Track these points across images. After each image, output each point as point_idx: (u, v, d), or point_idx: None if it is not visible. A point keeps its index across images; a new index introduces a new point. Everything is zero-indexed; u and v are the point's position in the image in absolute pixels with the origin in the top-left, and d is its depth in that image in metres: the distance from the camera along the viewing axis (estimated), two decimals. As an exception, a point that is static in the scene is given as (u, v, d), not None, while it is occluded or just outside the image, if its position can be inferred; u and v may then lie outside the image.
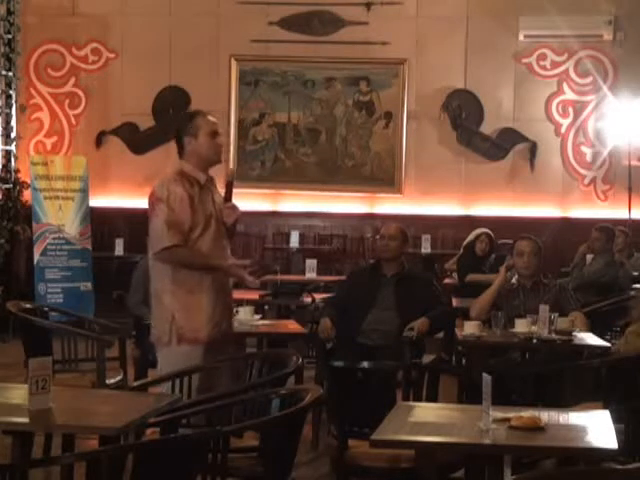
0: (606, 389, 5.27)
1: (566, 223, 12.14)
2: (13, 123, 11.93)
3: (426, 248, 12.04)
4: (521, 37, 12.38)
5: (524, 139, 12.50)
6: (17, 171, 12.01)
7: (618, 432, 3.90)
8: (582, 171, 12.47)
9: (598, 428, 3.93)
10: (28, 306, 7.07)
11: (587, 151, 12.49)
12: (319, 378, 6.73)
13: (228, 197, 5.31)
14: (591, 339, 6.32)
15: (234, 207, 5.32)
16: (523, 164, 12.54)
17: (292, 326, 7.01)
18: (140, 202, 12.33)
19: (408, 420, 4.05)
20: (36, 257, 11.27)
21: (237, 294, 8.80)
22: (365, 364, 5.09)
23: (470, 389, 4.95)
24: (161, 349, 5.27)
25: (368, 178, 12.74)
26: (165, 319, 5.20)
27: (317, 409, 6.29)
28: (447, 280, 10.36)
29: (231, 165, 12.69)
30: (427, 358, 6.66)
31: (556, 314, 6.28)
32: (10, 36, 11.73)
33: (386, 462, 4.59)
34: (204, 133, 5.26)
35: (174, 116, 12.54)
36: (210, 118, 5.33)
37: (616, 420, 4.10)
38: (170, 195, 5.13)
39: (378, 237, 7.16)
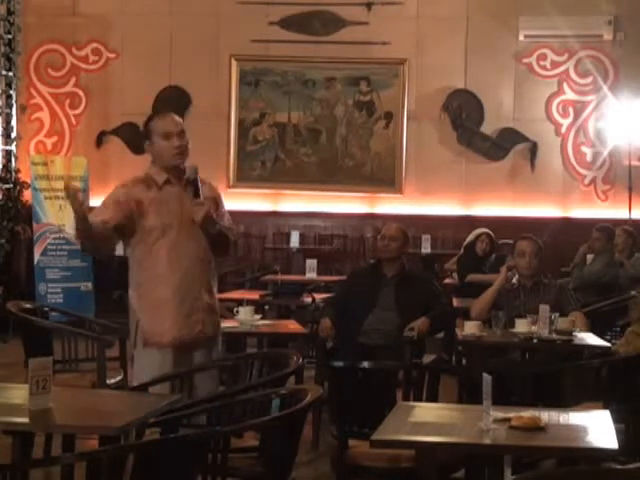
0: (606, 389, 5.27)
1: (566, 223, 12.14)
2: (13, 123, 11.93)
3: (426, 248, 12.04)
4: (521, 37, 12.39)
5: (524, 139, 12.50)
6: (17, 171, 12.01)
7: (618, 432, 3.90)
8: (582, 171, 12.47)
9: (598, 428, 3.93)
10: (28, 306, 7.07)
11: (587, 151, 12.49)
12: (319, 378, 6.73)
13: (195, 194, 5.15)
14: (591, 339, 6.32)
15: (201, 203, 5.14)
16: (523, 164, 12.54)
17: (292, 326, 7.01)
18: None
19: (408, 420, 4.05)
20: (36, 257, 11.28)
21: (238, 294, 8.86)
22: (365, 364, 5.08)
23: (470, 389, 4.95)
24: (131, 352, 5.31)
25: (368, 178, 12.74)
26: (132, 323, 5.20)
27: (317, 409, 6.29)
28: (447, 280, 10.36)
29: (230, 165, 12.71)
30: (427, 358, 6.66)
31: (556, 314, 6.28)
32: (10, 36, 11.74)
33: (386, 462, 4.59)
34: (157, 135, 5.19)
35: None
36: (167, 118, 5.23)
37: (616, 420, 4.10)
38: (112, 192, 5.29)
39: (379, 237, 7.15)
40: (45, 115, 12.97)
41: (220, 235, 5.27)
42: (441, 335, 7.49)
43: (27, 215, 11.69)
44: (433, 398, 4.99)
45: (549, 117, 12.49)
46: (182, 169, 5.23)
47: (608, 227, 9.55)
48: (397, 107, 12.65)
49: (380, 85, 12.69)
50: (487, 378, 3.91)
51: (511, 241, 8.19)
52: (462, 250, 10.25)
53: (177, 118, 5.29)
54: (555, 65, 12.46)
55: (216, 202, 5.34)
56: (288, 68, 12.74)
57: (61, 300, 11.12)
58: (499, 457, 3.90)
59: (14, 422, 3.97)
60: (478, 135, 12.59)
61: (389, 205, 12.58)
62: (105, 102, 12.91)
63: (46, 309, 7.48)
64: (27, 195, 11.92)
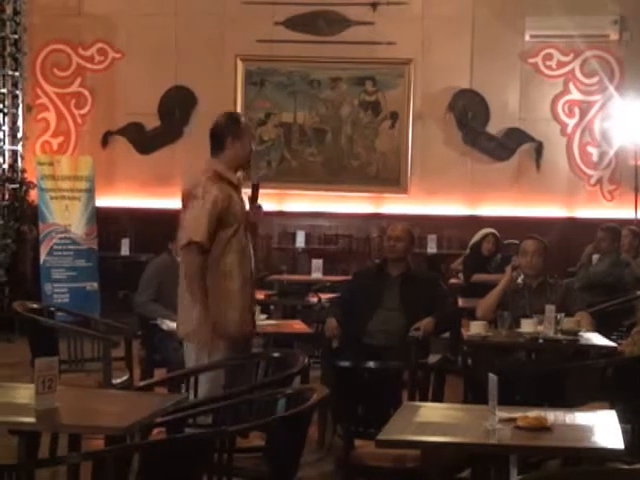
0: (612, 389, 5.27)
1: (572, 223, 12.12)
2: (20, 123, 11.94)
3: (432, 248, 12.04)
4: (527, 37, 12.37)
5: (530, 139, 12.49)
6: (24, 171, 12.02)
7: (624, 432, 3.90)
8: (588, 171, 12.45)
9: (604, 428, 3.93)
10: (35, 306, 7.09)
11: (593, 151, 12.47)
12: (325, 378, 6.73)
13: (254, 198, 5.43)
14: (597, 339, 6.32)
15: (260, 207, 5.45)
16: (529, 164, 12.52)
17: (298, 326, 7.01)
18: (146, 202, 12.46)
19: (414, 420, 4.05)
20: (42, 257, 11.30)
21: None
22: (371, 364, 5.09)
23: (476, 389, 4.95)
24: (188, 345, 5.36)
25: (374, 178, 12.74)
26: (194, 316, 5.27)
27: (323, 409, 6.29)
28: (453, 280, 10.36)
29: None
30: (433, 358, 6.65)
31: (562, 314, 6.27)
32: (17, 36, 11.74)
33: (392, 462, 4.59)
34: (248, 137, 5.41)
35: (179, 115, 12.61)
36: (249, 123, 5.57)
37: (622, 420, 4.09)
38: (206, 194, 5.22)
39: (385, 238, 7.15)
40: (51, 115, 12.99)
41: (255, 236, 5.55)
42: (446, 335, 7.49)
43: (33, 215, 11.70)
44: (438, 398, 5.00)
45: (555, 117, 12.48)
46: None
47: (614, 227, 9.54)
48: (402, 107, 12.64)
49: (385, 85, 12.68)
50: (493, 378, 3.91)
51: (517, 241, 8.18)
52: (468, 250, 10.25)
53: None
54: (561, 65, 12.45)
55: None
56: (293, 68, 12.74)
57: (67, 300, 11.13)
58: (505, 457, 3.90)
59: (20, 422, 3.98)
60: (484, 135, 12.58)
61: (394, 205, 12.57)
62: (111, 102, 12.92)
63: (52, 309, 7.50)
64: (33, 195, 11.93)
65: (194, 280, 5.23)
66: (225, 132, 5.35)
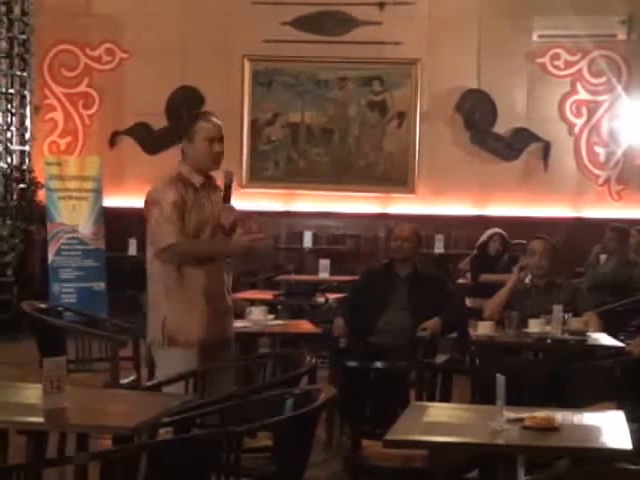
0: (620, 389, 5.26)
1: (580, 223, 12.11)
2: (28, 123, 11.96)
3: (439, 248, 12.04)
4: (534, 37, 12.36)
5: (537, 139, 12.48)
6: (31, 171, 12.04)
7: (632, 432, 3.89)
8: (596, 171, 12.44)
9: (612, 428, 3.92)
10: (42, 306, 7.11)
11: (601, 151, 12.46)
12: (333, 378, 6.73)
13: (226, 199, 5.23)
14: (605, 339, 6.31)
15: (231, 209, 5.24)
16: (536, 164, 12.51)
17: (305, 326, 7.01)
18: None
19: (421, 420, 4.05)
20: (50, 257, 11.33)
21: (250, 294, 8.87)
22: (378, 364, 5.09)
23: (483, 389, 4.95)
24: (156, 351, 5.30)
25: (381, 178, 12.74)
26: (156, 321, 5.22)
27: (330, 409, 6.29)
28: (460, 280, 10.35)
29: (243, 165, 12.71)
30: (440, 358, 6.65)
31: (570, 314, 6.27)
32: (24, 37, 11.76)
33: (399, 462, 4.59)
34: (200, 138, 5.20)
35: (186, 115, 12.58)
36: (211, 123, 5.24)
37: (630, 420, 4.09)
38: (164, 198, 5.13)
39: (392, 238, 7.15)
40: (59, 115, 13.01)
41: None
42: (454, 335, 7.48)
43: (41, 215, 11.73)
44: (446, 398, 4.99)
45: (562, 117, 12.47)
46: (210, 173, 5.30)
47: (622, 227, 9.53)
48: (410, 107, 12.64)
49: (393, 85, 12.68)
50: (500, 378, 3.91)
51: (524, 241, 8.17)
52: (475, 250, 10.25)
53: (220, 123, 5.31)
54: (568, 65, 12.43)
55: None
56: (301, 68, 12.74)
57: (74, 300, 11.16)
58: (512, 457, 3.90)
59: (28, 422, 3.99)
60: (491, 135, 12.57)
61: (402, 205, 12.57)
62: (118, 102, 12.93)
63: (60, 309, 7.52)
64: (41, 195, 11.95)
65: (199, 252, 5.22)
66: (181, 134, 5.29)
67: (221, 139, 5.26)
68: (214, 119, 5.30)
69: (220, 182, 5.30)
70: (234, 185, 5.28)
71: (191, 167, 5.24)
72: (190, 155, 5.24)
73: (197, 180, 5.24)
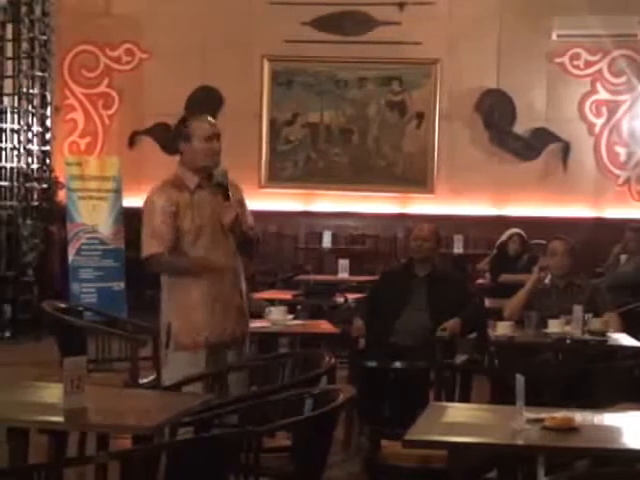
0: (641, 390, 5.24)
1: (600, 223, 12.07)
2: (48, 124, 12.00)
3: (458, 248, 12.03)
4: (554, 37, 12.33)
5: (557, 139, 12.45)
6: (52, 171, 12.09)
7: (653, 433, 3.88)
8: (616, 171, 12.40)
9: (633, 429, 3.91)
10: (63, 306, 7.13)
11: (621, 151, 12.42)
12: (352, 378, 6.73)
13: (225, 197, 5.19)
14: (625, 340, 6.29)
15: (230, 207, 5.19)
16: (556, 164, 12.48)
17: (325, 326, 7.01)
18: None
19: (441, 420, 4.04)
20: (70, 257, 11.37)
21: (269, 294, 8.88)
22: (397, 364, 5.08)
23: (503, 389, 4.94)
24: (163, 353, 5.32)
25: (400, 178, 12.73)
26: (163, 326, 5.24)
27: (349, 409, 6.29)
28: (480, 280, 10.34)
29: (262, 165, 12.73)
30: (459, 358, 6.64)
31: (590, 315, 6.25)
32: (45, 37, 11.80)
33: (418, 462, 4.58)
34: (197, 138, 5.19)
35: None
36: (207, 122, 5.25)
37: (651, 421, 4.07)
38: (151, 206, 5.17)
39: (411, 238, 7.14)
40: (79, 116, 13.06)
41: (245, 237, 5.32)
42: (473, 335, 7.47)
43: (61, 215, 11.77)
44: (465, 398, 4.99)
45: (582, 117, 12.43)
46: (210, 172, 5.26)
47: (642, 227, 9.49)
48: (429, 107, 12.63)
49: (412, 85, 12.67)
50: (520, 379, 3.90)
51: (543, 241, 8.16)
52: (495, 250, 10.23)
53: (214, 121, 5.32)
54: (588, 65, 12.40)
55: (242, 204, 5.39)
56: (320, 68, 12.75)
57: (94, 300, 11.19)
58: (532, 458, 3.89)
59: (49, 421, 4.01)
60: (510, 135, 12.55)
61: (421, 205, 12.56)
62: (138, 102, 12.97)
63: (80, 309, 7.54)
64: (61, 195, 12.00)
65: (179, 268, 5.22)
66: (176, 135, 5.28)
67: (217, 137, 5.25)
68: (209, 118, 5.32)
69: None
70: (230, 183, 5.24)
71: (187, 168, 5.24)
72: (188, 156, 5.23)
73: (192, 181, 5.23)
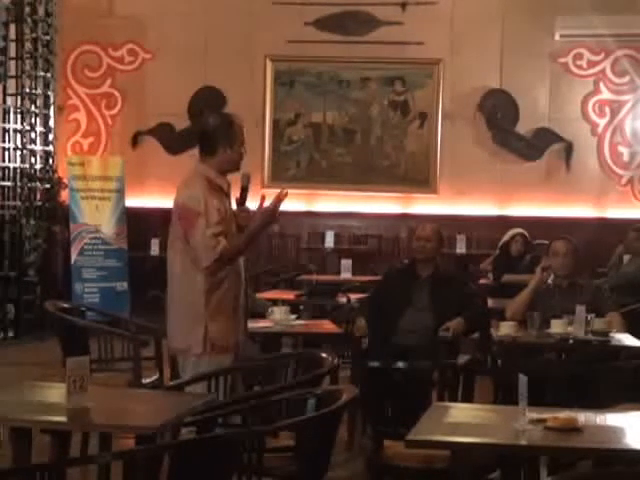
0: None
1: (603, 223, 12.07)
2: (51, 124, 12.01)
3: (461, 248, 12.03)
4: (557, 37, 12.33)
5: (560, 139, 12.45)
6: (55, 171, 12.10)
7: (656, 434, 3.88)
8: (619, 171, 12.40)
9: (636, 429, 3.91)
10: (66, 306, 7.13)
11: (624, 151, 12.41)
12: (355, 378, 6.73)
13: (243, 201, 5.23)
14: (628, 340, 6.28)
15: (248, 211, 5.25)
16: (559, 164, 12.48)
17: (327, 326, 7.01)
18: (176, 202, 12.49)
19: (443, 420, 4.04)
20: (73, 257, 11.38)
21: (272, 294, 8.88)
22: (400, 364, 5.08)
23: (505, 390, 4.94)
24: (189, 359, 5.23)
25: (403, 178, 12.74)
26: (198, 330, 5.18)
27: (352, 409, 6.29)
28: (482, 280, 10.33)
29: (265, 165, 12.73)
30: (462, 358, 6.64)
31: (592, 315, 6.24)
32: (48, 37, 11.81)
33: (421, 462, 4.58)
34: (239, 142, 5.20)
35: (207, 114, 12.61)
36: (242, 126, 5.26)
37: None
38: (208, 207, 5.09)
39: (414, 238, 7.14)
40: (82, 116, 13.07)
41: (253, 240, 5.37)
42: (476, 335, 7.47)
43: (64, 215, 11.78)
44: (468, 399, 4.99)
45: (585, 117, 12.43)
46: None
47: (645, 227, 9.48)
48: (432, 107, 12.63)
49: (415, 85, 12.68)
50: (523, 379, 3.90)
51: (546, 241, 8.15)
52: (497, 250, 10.23)
53: None
54: (591, 64, 12.39)
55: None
56: (323, 68, 12.76)
57: (97, 300, 11.20)
58: (535, 458, 3.89)
59: (52, 421, 4.01)
60: (513, 135, 12.54)
61: (424, 205, 12.56)
62: (141, 102, 12.98)
63: (83, 309, 7.55)
64: (64, 195, 12.01)
65: (242, 249, 5.21)
66: (217, 136, 5.17)
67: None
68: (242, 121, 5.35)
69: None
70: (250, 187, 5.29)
71: (217, 170, 5.21)
72: (225, 158, 5.19)
73: (224, 184, 5.24)
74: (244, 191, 5.22)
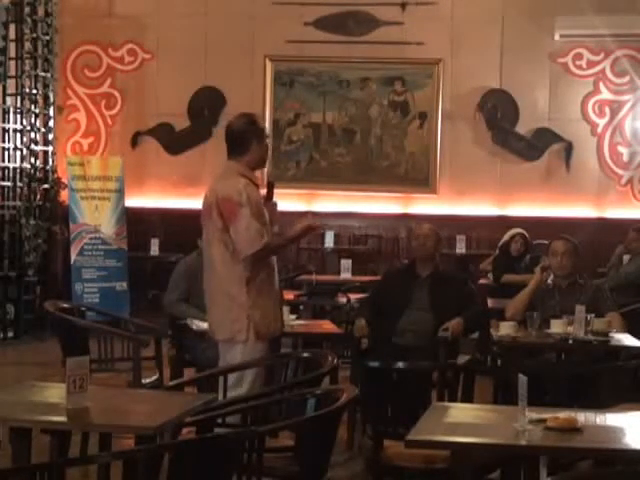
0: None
1: (602, 223, 12.07)
2: (51, 124, 12.01)
3: (461, 248, 12.02)
4: (557, 37, 12.32)
5: (560, 139, 12.44)
6: (55, 171, 12.09)
7: (655, 434, 3.88)
8: (619, 171, 12.39)
9: (636, 429, 3.91)
10: (65, 306, 7.14)
11: (624, 151, 12.41)
12: (355, 378, 6.73)
13: (270, 196, 5.55)
14: (628, 340, 6.29)
15: (275, 205, 5.56)
16: (559, 164, 12.47)
17: (327, 326, 7.02)
18: (175, 202, 12.50)
19: (443, 420, 4.04)
20: (73, 257, 11.37)
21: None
22: (400, 364, 5.09)
23: (505, 390, 4.94)
24: (234, 347, 5.38)
25: (403, 178, 12.73)
26: (241, 318, 5.35)
27: (352, 409, 6.30)
28: (482, 281, 10.33)
29: (265, 167, 12.73)
30: (462, 358, 6.64)
31: (592, 315, 6.24)
32: (48, 38, 11.81)
33: (421, 462, 4.59)
34: (265, 138, 5.57)
35: (208, 116, 12.64)
36: (262, 121, 5.70)
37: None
38: (250, 199, 5.32)
39: (413, 237, 7.15)
40: (81, 116, 13.05)
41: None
42: (475, 335, 7.47)
43: (64, 215, 11.78)
44: (468, 399, 4.99)
45: (585, 117, 12.42)
46: None
47: (645, 227, 9.48)
48: (431, 107, 12.63)
49: (414, 85, 12.67)
50: (522, 379, 3.90)
51: (546, 241, 8.15)
52: (497, 251, 10.23)
53: None
54: (591, 64, 12.39)
55: None
56: (323, 68, 12.75)
57: (97, 300, 11.20)
58: (535, 458, 3.89)
59: (52, 421, 4.01)
60: (513, 135, 12.54)
61: (423, 205, 12.56)
62: (140, 103, 12.97)
63: (83, 309, 7.55)
64: (64, 195, 12.00)
65: (280, 247, 5.67)
66: (248, 135, 5.47)
67: None
68: None
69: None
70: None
71: (249, 167, 5.50)
72: (257, 154, 5.51)
73: (256, 178, 5.53)
74: (271, 187, 5.59)
